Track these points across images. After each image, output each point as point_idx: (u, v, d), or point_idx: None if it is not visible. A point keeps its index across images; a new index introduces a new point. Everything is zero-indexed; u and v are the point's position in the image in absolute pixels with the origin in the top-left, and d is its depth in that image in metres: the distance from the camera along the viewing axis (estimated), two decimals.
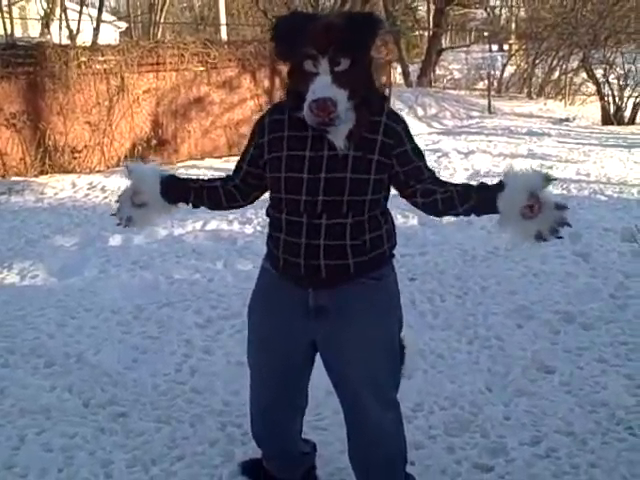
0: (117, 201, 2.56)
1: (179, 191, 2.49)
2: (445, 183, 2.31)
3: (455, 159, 9.41)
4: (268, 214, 2.42)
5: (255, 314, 2.54)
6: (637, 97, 14.97)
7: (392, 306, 2.44)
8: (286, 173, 2.27)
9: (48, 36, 11.67)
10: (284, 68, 10.17)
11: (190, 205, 2.51)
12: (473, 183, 2.31)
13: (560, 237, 2.11)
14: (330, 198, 2.24)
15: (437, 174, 2.38)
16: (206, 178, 2.58)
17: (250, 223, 6.54)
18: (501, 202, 2.11)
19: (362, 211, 2.28)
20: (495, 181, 2.15)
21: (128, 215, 2.53)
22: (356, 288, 2.32)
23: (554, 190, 7.68)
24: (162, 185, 2.45)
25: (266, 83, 11.03)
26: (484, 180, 2.29)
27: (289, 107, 2.28)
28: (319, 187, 2.23)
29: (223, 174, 2.61)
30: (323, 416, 3.31)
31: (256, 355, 2.57)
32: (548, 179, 2.08)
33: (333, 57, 2.13)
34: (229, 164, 9.84)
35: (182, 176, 2.57)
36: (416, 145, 2.34)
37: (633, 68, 15.34)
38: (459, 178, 8.27)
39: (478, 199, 2.18)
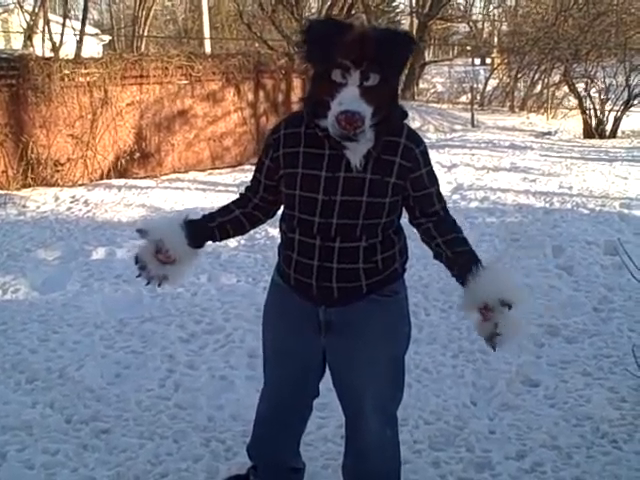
0: (138, 262, 2.40)
1: (204, 235, 2.42)
2: (444, 232, 2.34)
3: (438, 173, 9.28)
4: (281, 228, 2.39)
5: (268, 329, 2.54)
6: (618, 111, 15.11)
7: (402, 323, 2.43)
8: (301, 191, 2.23)
9: (31, 48, 11.63)
10: (268, 81, 10.14)
11: (217, 242, 2.48)
12: (464, 252, 2.32)
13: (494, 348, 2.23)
14: (344, 221, 2.21)
15: (445, 207, 2.39)
16: (222, 208, 2.48)
17: (235, 237, 6.50)
18: (464, 294, 2.25)
19: (376, 234, 2.26)
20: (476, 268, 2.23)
21: (163, 274, 2.39)
22: (367, 305, 2.32)
23: (537, 203, 7.74)
24: (186, 237, 2.35)
25: (250, 96, 11.03)
26: (466, 255, 2.31)
27: (308, 114, 2.21)
28: (334, 210, 2.20)
29: (232, 195, 2.51)
30: (308, 431, 3.26)
31: (272, 367, 2.57)
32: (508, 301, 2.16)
33: (365, 71, 2.07)
34: (213, 177, 9.86)
35: (198, 217, 2.45)
36: (431, 169, 2.32)
37: (614, 82, 15.47)
38: (442, 191, 8.26)
39: (457, 275, 2.29)
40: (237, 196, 2.52)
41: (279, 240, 2.45)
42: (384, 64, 2.09)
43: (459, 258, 2.30)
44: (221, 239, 2.46)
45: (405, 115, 2.30)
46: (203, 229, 2.41)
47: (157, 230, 2.35)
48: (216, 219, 2.43)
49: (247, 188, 2.48)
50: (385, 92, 2.13)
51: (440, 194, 2.37)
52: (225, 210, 2.46)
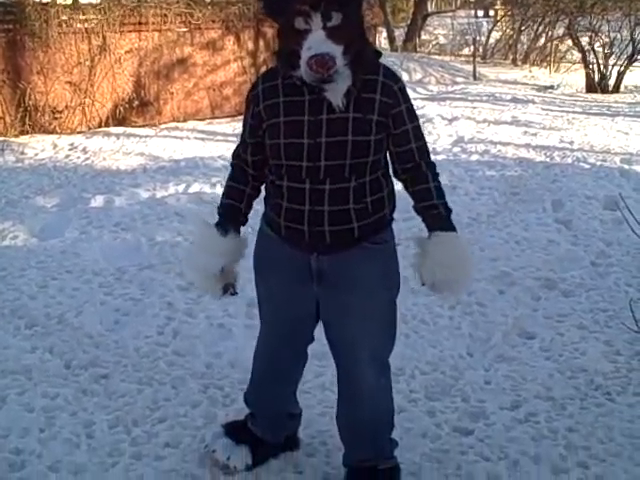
0: (229, 291, 2.54)
1: (240, 228, 2.51)
2: (415, 182, 2.37)
3: (439, 125, 9.36)
4: (267, 179, 2.40)
5: (260, 281, 2.55)
6: (621, 66, 14.94)
7: (392, 271, 2.45)
8: (285, 139, 2.24)
9: None
10: (269, 30, 9.99)
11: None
12: (425, 209, 2.39)
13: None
14: (332, 163, 2.22)
15: (421, 149, 2.37)
16: (235, 194, 2.51)
17: None
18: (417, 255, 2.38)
19: (364, 173, 2.27)
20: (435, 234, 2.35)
21: (231, 283, 2.54)
22: (358, 252, 2.33)
23: (538, 157, 7.71)
24: (235, 246, 2.47)
25: (250, 45, 10.89)
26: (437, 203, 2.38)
27: (284, 67, 2.23)
28: (320, 152, 2.21)
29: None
30: (305, 379, 3.29)
31: (266, 317, 2.60)
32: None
33: (325, 12, 2.08)
34: (212, 126, 9.78)
35: (227, 216, 2.50)
36: (410, 106, 2.33)
37: (618, 36, 15.29)
38: (443, 144, 8.25)
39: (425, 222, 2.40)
40: (230, 169, 2.56)
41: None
42: (342, 1, 2.10)
43: (423, 216, 2.39)
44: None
45: (379, 54, 2.33)
46: (239, 228, 2.50)
47: (217, 263, 2.43)
48: (240, 209, 2.50)
49: (238, 157, 2.50)
50: (351, 29, 2.15)
51: (418, 132, 2.36)
52: (239, 194, 2.50)
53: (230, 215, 2.50)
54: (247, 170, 2.48)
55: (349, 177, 2.25)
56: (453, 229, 2.38)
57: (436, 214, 2.36)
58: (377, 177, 2.32)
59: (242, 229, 2.53)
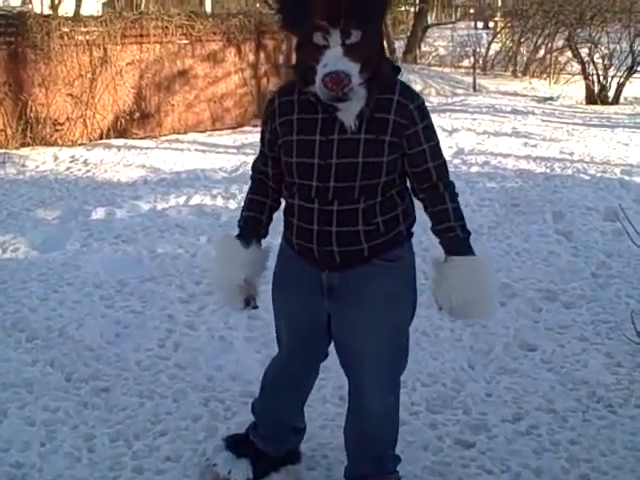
0: (250, 304, 2.55)
1: (262, 240, 2.51)
2: (432, 203, 2.35)
3: (439, 137, 9.32)
4: (284, 195, 2.41)
5: (276, 295, 2.55)
6: (621, 77, 14.97)
7: (405, 289, 2.41)
8: (297, 158, 2.24)
9: (30, 6, 11.52)
10: (270, 42, 10.01)
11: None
12: (442, 232, 2.36)
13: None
14: (341, 184, 2.21)
15: (440, 168, 2.34)
16: (256, 206, 2.51)
17: (234, 198, 6.50)
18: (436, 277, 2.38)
19: (375, 194, 2.24)
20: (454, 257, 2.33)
21: (252, 296, 2.53)
22: (369, 270, 2.31)
23: (538, 168, 7.71)
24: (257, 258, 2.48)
25: (251, 57, 10.91)
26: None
27: (299, 82, 2.22)
28: (330, 173, 2.20)
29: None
30: None
31: (283, 331, 2.59)
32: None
33: (344, 29, 2.05)
34: (213, 138, 9.80)
35: (249, 228, 2.50)
36: (428, 124, 2.28)
37: (618, 48, 15.32)
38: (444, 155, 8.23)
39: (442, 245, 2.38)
40: (250, 182, 2.54)
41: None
42: (362, 18, 2.07)
43: (440, 238, 2.37)
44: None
45: (398, 70, 2.30)
46: (260, 240, 2.50)
47: (240, 275, 2.44)
48: (261, 222, 2.50)
49: (258, 170, 2.49)
50: (370, 47, 2.12)
51: (436, 152, 2.32)
52: (260, 207, 2.50)
53: (252, 227, 2.50)
54: (267, 183, 2.47)
55: (358, 198, 2.23)
56: (471, 252, 2.34)
57: (453, 237, 2.33)
58: (391, 196, 2.29)
59: (263, 241, 2.53)
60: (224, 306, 2.56)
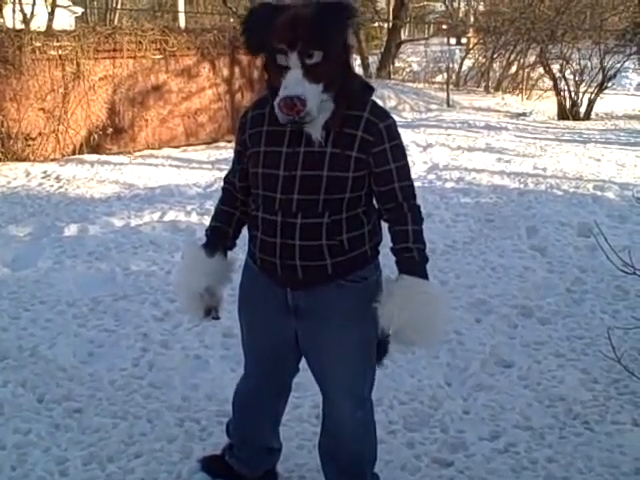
0: (211, 314, 2.54)
1: (227, 251, 2.52)
2: (394, 223, 2.31)
3: (414, 152, 9.41)
4: (249, 208, 2.40)
5: (241, 312, 2.54)
6: (592, 93, 15.19)
7: (371, 307, 2.33)
8: (263, 169, 2.24)
9: (1, 20, 11.38)
10: (244, 57, 9.99)
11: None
12: (401, 253, 2.31)
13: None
14: (305, 197, 2.19)
15: (406, 189, 2.31)
16: (224, 217, 2.52)
17: (209, 214, 6.36)
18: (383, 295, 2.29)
19: (340, 210, 2.23)
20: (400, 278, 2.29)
21: (214, 306, 2.52)
22: (334, 291, 2.29)
23: (512, 184, 7.76)
24: (221, 268, 2.47)
25: (225, 72, 10.90)
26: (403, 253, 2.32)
27: (270, 96, 2.22)
28: (294, 185, 2.19)
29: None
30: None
31: (249, 349, 2.58)
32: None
33: (303, 51, 2.07)
34: (187, 154, 9.76)
35: (215, 238, 2.52)
36: (397, 145, 2.26)
37: (589, 64, 15.54)
38: (418, 171, 8.25)
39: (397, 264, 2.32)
40: (221, 193, 2.55)
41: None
42: (321, 40, 2.08)
43: (396, 258, 2.33)
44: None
45: (370, 89, 2.30)
46: (226, 250, 2.51)
47: (201, 282, 2.44)
48: (228, 232, 2.50)
49: (228, 181, 2.50)
50: (332, 66, 2.13)
51: (403, 172, 2.29)
52: (228, 218, 2.51)
53: (217, 237, 2.50)
54: (236, 195, 2.46)
55: (322, 212, 2.21)
56: (424, 277, 2.30)
57: (409, 257, 2.28)
58: (356, 214, 2.28)
59: (230, 253, 2.52)
60: (195, 322, 2.55)
